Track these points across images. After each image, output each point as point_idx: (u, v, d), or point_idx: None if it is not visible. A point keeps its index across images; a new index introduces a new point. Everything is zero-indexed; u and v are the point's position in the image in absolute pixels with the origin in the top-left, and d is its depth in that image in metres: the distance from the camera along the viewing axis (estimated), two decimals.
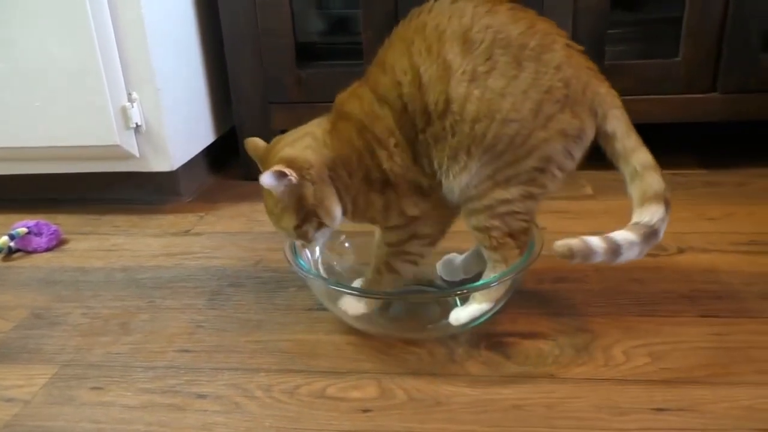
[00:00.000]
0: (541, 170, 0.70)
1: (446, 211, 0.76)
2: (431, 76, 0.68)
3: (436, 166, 0.71)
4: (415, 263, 0.79)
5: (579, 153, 0.71)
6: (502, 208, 0.71)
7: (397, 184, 0.73)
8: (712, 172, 1.31)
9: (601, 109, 0.71)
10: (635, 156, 0.71)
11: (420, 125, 0.70)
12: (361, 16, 1.28)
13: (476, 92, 0.67)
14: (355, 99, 0.73)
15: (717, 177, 1.28)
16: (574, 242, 0.67)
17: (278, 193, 0.69)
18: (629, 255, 0.69)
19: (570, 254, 0.67)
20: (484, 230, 0.73)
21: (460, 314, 0.76)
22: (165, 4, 1.23)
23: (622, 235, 0.69)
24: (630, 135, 0.72)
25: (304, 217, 0.71)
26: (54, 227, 1.14)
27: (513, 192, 0.71)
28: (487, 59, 0.67)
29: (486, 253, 0.76)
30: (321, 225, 0.73)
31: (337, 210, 0.73)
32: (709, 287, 0.87)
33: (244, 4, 1.29)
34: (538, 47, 0.67)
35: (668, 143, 1.42)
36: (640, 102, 1.26)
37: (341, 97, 0.75)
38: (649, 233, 0.69)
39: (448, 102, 0.67)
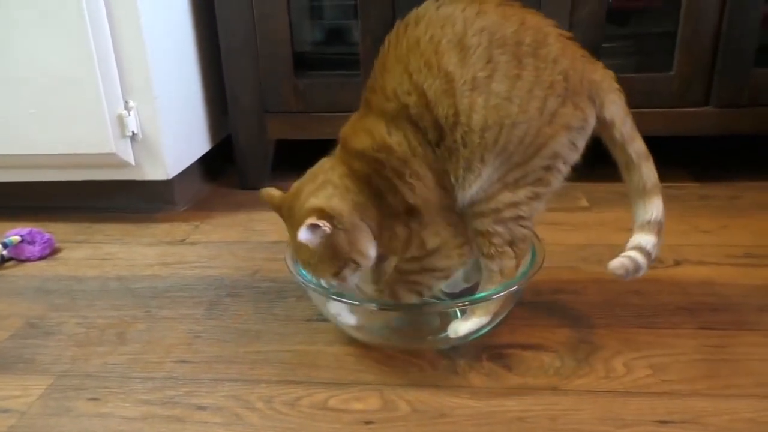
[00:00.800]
0: (548, 168, 0.70)
1: (465, 239, 0.75)
2: (436, 91, 0.66)
3: (453, 179, 0.70)
4: (420, 294, 0.78)
5: (582, 143, 0.72)
6: (509, 213, 0.71)
7: (424, 213, 0.71)
8: (706, 185, 1.33)
9: (598, 97, 0.71)
10: (632, 145, 0.73)
11: (434, 140, 0.68)
12: (359, 26, 1.28)
13: (480, 100, 0.65)
14: (363, 134, 0.70)
15: (710, 190, 1.30)
16: (625, 261, 0.71)
17: (313, 245, 0.68)
18: (654, 256, 0.73)
19: (625, 273, 0.71)
20: (487, 235, 0.72)
21: (459, 327, 0.75)
22: (163, 13, 1.23)
23: (648, 240, 0.73)
24: (627, 121, 0.73)
25: (342, 264, 0.70)
26: (47, 236, 1.12)
27: (520, 194, 0.70)
28: (488, 62, 0.65)
29: (483, 262, 0.75)
30: (357, 267, 0.71)
31: (372, 250, 0.72)
32: (706, 299, 0.88)
33: (242, 14, 1.29)
34: (534, 42, 0.67)
35: (662, 156, 1.44)
36: (634, 115, 1.26)
37: (347, 132, 0.73)
38: (660, 229, 0.73)
39: (456, 114, 0.66)
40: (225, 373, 0.76)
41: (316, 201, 0.69)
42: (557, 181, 0.72)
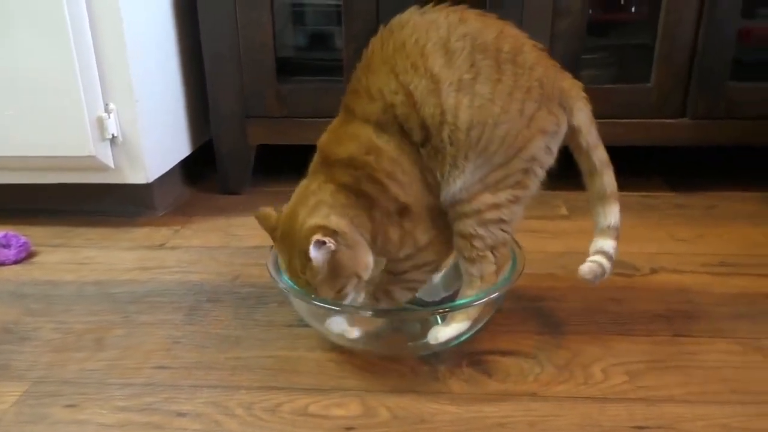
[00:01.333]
0: (526, 171, 0.73)
1: (450, 234, 0.76)
2: (422, 91, 0.68)
3: (438, 176, 0.71)
4: (414, 290, 0.80)
5: (556, 148, 0.75)
6: (490, 215, 0.73)
7: (414, 211, 0.72)
8: (682, 194, 1.35)
9: (568, 105, 0.74)
10: (596, 153, 0.76)
11: (420, 140, 0.70)
12: (342, 32, 1.29)
13: (465, 100, 0.68)
14: (348, 140, 0.71)
15: (686, 200, 1.32)
16: (593, 266, 0.75)
17: (318, 264, 0.68)
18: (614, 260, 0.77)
19: (593, 277, 0.75)
20: (469, 237, 0.73)
21: (439, 334, 0.76)
22: (145, 16, 1.22)
23: (609, 245, 0.77)
24: (592, 130, 0.76)
25: (345, 280, 0.71)
26: (23, 239, 1.10)
27: (501, 197, 0.72)
28: (471, 65, 0.68)
29: (463, 266, 0.76)
30: (360, 281, 0.72)
31: (371, 259, 0.73)
32: (682, 307, 0.89)
33: (226, 19, 1.29)
34: (512, 50, 0.70)
35: (640, 166, 1.47)
36: (613, 125, 1.29)
37: (327, 143, 0.74)
38: (618, 234, 0.77)
39: (443, 113, 0.68)
40: (205, 380, 0.75)
41: (315, 220, 0.69)
42: (534, 185, 0.74)
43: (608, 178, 0.77)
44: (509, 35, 0.71)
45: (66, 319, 0.90)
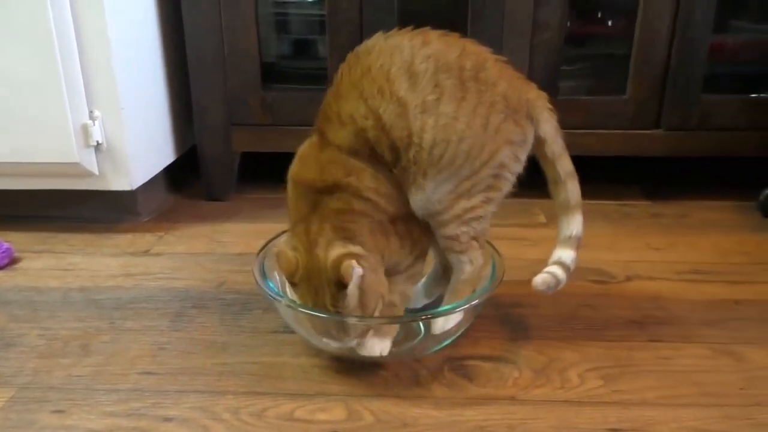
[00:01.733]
0: (496, 176, 0.76)
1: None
2: (391, 115, 0.71)
3: (405, 191, 0.75)
4: (417, 281, 0.86)
5: (524, 156, 0.78)
6: (469, 215, 0.77)
7: (403, 216, 0.76)
8: (656, 203, 1.39)
9: (534, 115, 0.77)
10: (560, 162, 0.79)
11: (391, 161, 0.73)
12: (327, 41, 1.31)
13: (430, 121, 0.71)
14: (329, 165, 0.73)
15: (661, 208, 1.36)
16: (547, 277, 0.78)
17: (352, 291, 0.69)
18: (572, 269, 0.80)
19: (546, 288, 0.78)
20: (454, 237, 0.77)
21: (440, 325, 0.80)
22: (130, 23, 1.23)
23: (568, 255, 0.80)
24: (557, 140, 0.79)
25: (374, 303, 0.73)
26: (6, 245, 1.10)
27: (474, 201, 0.76)
28: (435, 86, 0.71)
29: (454, 258, 0.80)
30: (384, 300, 0.74)
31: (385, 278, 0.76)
32: (655, 313, 0.93)
33: (210, 26, 1.30)
34: (475, 67, 0.73)
35: (617, 176, 1.51)
36: (589, 136, 1.33)
37: (300, 171, 0.75)
38: (579, 244, 0.81)
39: (410, 135, 0.71)
40: (191, 385, 0.76)
41: (337, 251, 0.70)
42: (506, 186, 0.78)
43: (572, 188, 0.80)
44: (471, 52, 0.74)
45: (51, 325, 0.90)
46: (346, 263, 0.67)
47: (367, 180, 0.73)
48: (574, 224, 0.80)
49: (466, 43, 0.75)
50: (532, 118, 0.77)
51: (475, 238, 0.79)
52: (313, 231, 0.72)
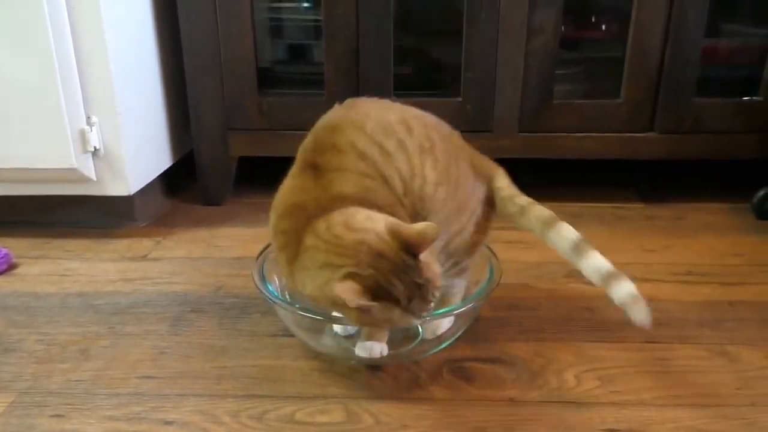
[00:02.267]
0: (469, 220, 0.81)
1: None
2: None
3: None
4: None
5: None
6: (458, 240, 0.79)
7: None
8: (651, 206, 1.40)
9: (490, 173, 0.85)
10: (518, 199, 0.83)
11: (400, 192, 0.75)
12: (323, 46, 1.31)
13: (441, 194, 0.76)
14: (339, 182, 0.72)
15: (655, 211, 1.37)
16: (642, 307, 0.74)
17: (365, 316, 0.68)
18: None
19: (647, 315, 0.73)
20: (455, 264, 0.80)
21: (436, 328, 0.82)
22: (127, 28, 1.23)
23: (598, 263, 0.78)
24: (511, 186, 0.85)
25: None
26: (4, 250, 1.10)
27: (463, 236, 0.80)
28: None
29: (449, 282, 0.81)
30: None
31: None
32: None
33: (207, 31, 1.30)
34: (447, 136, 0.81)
35: (612, 179, 1.52)
36: (584, 139, 1.34)
37: (307, 200, 0.72)
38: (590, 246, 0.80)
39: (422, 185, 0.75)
40: (191, 389, 0.77)
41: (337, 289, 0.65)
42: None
43: (538, 208, 0.81)
44: (417, 135, 0.76)
45: (50, 330, 0.90)
46: (348, 300, 0.63)
47: (381, 198, 0.74)
48: (566, 231, 0.78)
49: (409, 120, 0.77)
50: (489, 177, 0.85)
51: (467, 252, 0.82)
52: (316, 260, 0.69)
